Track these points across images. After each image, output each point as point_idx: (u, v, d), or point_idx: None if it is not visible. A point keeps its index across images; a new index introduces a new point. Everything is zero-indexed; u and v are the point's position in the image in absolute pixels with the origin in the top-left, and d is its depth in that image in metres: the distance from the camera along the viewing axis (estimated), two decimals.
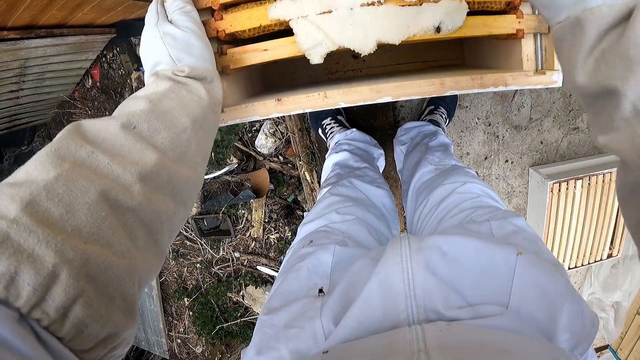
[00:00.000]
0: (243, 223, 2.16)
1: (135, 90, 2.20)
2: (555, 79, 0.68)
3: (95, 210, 0.34)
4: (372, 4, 0.58)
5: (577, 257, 2.01)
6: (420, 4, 0.59)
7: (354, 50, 0.58)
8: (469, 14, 0.62)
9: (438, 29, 0.59)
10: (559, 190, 1.84)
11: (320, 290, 0.56)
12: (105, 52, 2.28)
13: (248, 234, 2.17)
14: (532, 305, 0.48)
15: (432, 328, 0.42)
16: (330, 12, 0.58)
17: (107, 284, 0.33)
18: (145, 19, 0.56)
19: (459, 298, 0.47)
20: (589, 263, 2.02)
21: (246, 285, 2.28)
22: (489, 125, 1.83)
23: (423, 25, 0.59)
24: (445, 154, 1.18)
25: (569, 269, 2.01)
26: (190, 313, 2.51)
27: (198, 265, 2.39)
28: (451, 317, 0.45)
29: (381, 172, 1.49)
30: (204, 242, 2.28)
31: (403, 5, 0.58)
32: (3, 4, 1.35)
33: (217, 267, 2.32)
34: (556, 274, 0.50)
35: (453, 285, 0.48)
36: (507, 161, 1.92)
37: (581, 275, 2.29)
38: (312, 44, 0.58)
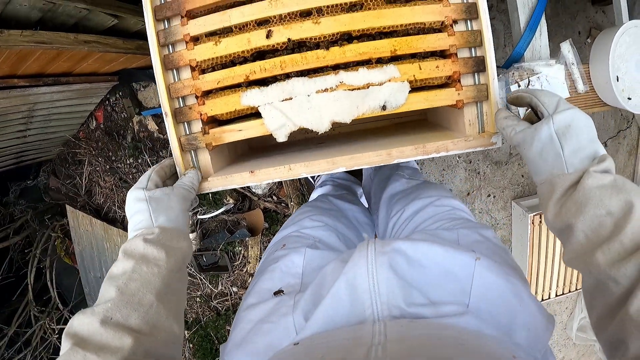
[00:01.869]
0: (240, 259, 2.24)
1: (137, 134, 2.33)
2: (494, 140, 0.76)
3: None
4: (326, 90, 0.70)
5: (564, 284, 2.05)
6: (367, 88, 0.70)
7: (312, 130, 0.70)
8: (412, 90, 0.73)
9: (384, 107, 0.70)
10: (540, 221, 1.90)
11: (279, 291, 0.63)
12: (108, 96, 2.40)
13: (245, 270, 2.25)
14: (490, 306, 0.52)
15: (395, 323, 0.47)
16: (291, 98, 0.70)
17: None
18: (137, 183, 0.67)
19: (421, 296, 0.51)
20: (576, 289, 2.06)
21: None
22: (470, 162, 1.92)
23: (370, 106, 0.70)
24: (414, 173, 1.24)
25: (557, 295, 2.05)
26: (191, 345, 2.55)
27: (197, 299, 2.45)
28: (413, 313, 0.49)
29: None
30: (203, 277, 2.35)
31: (352, 90, 0.70)
32: (14, 57, 1.46)
33: (216, 301, 2.38)
34: (513, 278, 0.55)
35: (416, 285, 0.52)
36: (489, 196, 1.99)
37: (572, 301, 2.32)
38: (277, 125, 0.70)
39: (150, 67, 2.16)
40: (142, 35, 1.78)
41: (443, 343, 0.42)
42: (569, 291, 2.07)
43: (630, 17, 1.10)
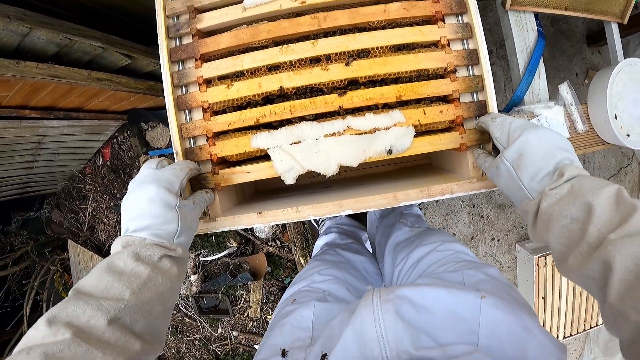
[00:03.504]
0: (241, 303, 2.21)
1: None
2: None
3: None
4: (333, 134, 0.72)
5: (572, 325, 2.01)
6: (374, 132, 0.72)
7: (319, 173, 0.71)
8: (417, 134, 0.75)
9: (390, 151, 0.72)
10: (545, 263, 1.88)
11: (284, 352, 0.61)
12: (116, 134, 2.44)
13: (246, 314, 2.22)
14: (501, 342, 0.52)
15: None
16: (299, 142, 0.72)
17: None
18: (165, 179, 0.63)
19: (430, 340, 0.52)
20: (584, 330, 2.02)
21: None
22: (473, 206, 1.92)
23: (377, 150, 0.71)
24: (418, 220, 1.25)
25: (565, 337, 2.00)
26: None
27: (197, 342, 2.40)
28: (422, 356, 0.49)
29: None
30: (203, 320, 2.31)
31: (359, 134, 0.72)
32: (28, 88, 1.49)
33: (215, 344, 2.33)
34: (520, 312, 0.56)
35: (423, 329, 0.53)
36: (493, 239, 1.98)
37: (580, 342, 2.26)
38: (286, 168, 0.71)
39: (159, 108, 2.19)
40: (153, 76, 1.84)
41: None
42: (577, 332, 2.02)
43: (625, 56, 1.13)
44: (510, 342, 0.52)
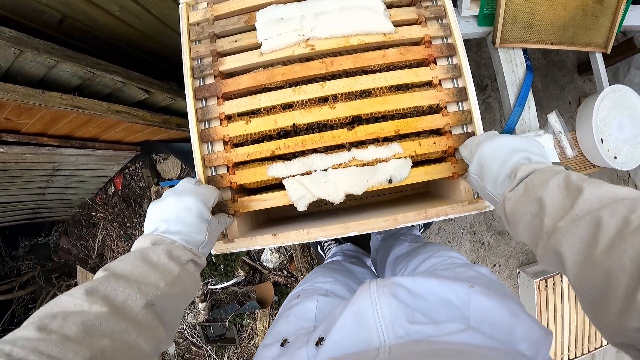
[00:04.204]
0: (248, 332, 2.23)
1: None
2: (487, 204, 0.85)
3: None
4: (340, 165, 0.81)
5: (576, 347, 2.00)
6: (376, 164, 0.81)
7: (328, 201, 0.80)
8: (414, 165, 0.84)
9: (390, 181, 0.81)
10: (546, 286, 1.91)
11: (285, 341, 0.65)
12: (129, 165, 2.51)
13: (253, 343, 2.23)
14: (489, 326, 0.56)
15: (399, 342, 0.52)
16: (310, 172, 0.81)
17: None
18: (201, 194, 0.71)
19: (423, 317, 0.56)
20: (589, 351, 2.00)
21: None
22: (474, 234, 1.97)
23: (379, 179, 0.80)
24: (416, 238, 1.32)
25: (570, 359, 1.99)
26: None
27: None
28: (416, 330, 0.53)
29: None
30: (210, 349, 2.32)
31: (363, 166, 0.81)
32: (49, 117, 1.55)
33: None
34: (507, 299, 0.60)
35: (417, 309, 0.58)
36: (495, 265, 2.02)
37: None
38: (299, 196, 0.80)
39: (172, 141, 2.24)
40: (168, 111, 1.93)
41: (445, 354, 0.47)
42: (582, 354, 2.01)
43: (616, 82, 1.19)
44: (499, 325, 0.56)
